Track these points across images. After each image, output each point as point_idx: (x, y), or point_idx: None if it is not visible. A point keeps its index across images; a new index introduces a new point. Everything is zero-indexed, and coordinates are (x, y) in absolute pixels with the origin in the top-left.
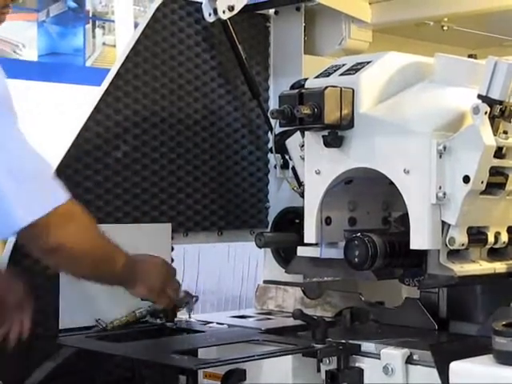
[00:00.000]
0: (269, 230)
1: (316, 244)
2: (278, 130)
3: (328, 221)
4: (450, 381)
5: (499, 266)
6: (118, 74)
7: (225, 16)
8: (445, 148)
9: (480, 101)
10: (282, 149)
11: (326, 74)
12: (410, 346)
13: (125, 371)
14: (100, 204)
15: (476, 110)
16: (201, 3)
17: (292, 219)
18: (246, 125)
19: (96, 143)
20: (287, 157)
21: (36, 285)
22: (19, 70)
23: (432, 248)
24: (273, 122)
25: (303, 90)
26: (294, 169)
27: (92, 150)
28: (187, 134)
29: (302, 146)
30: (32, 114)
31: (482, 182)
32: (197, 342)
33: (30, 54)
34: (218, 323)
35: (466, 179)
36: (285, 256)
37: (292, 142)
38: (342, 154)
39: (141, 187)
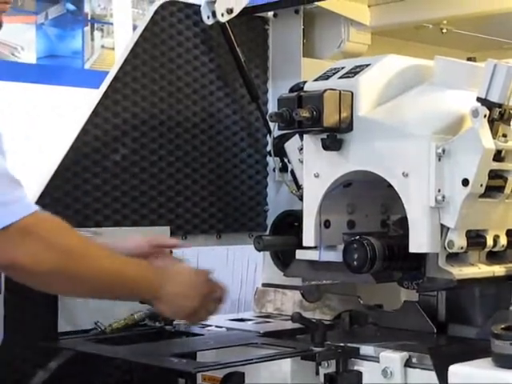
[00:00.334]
0: (268, 233)
1: (315, 247)
2: (276, 133)
3: (327, 224)
4: None
5: (498, 270)
6: (116, 76)
7: (223, 19)
8: (444, 151)
9: (479, 104)
10: (280, 152)
11: (325, 76)
12: (408, 349)
13: (123, 374)
14: (98, 207)
15: (475, 113)
16: (199, 6)
17: (291, 222)
18: (245, 128)
19: (94, 146)
20: (286, 160)
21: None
22: (18, 72)
23: (431, 251)
24: (271, 125)
25: (302, 93)
26: (292, 172)
27: (90, 153)
28: (186, 137)
29: (301, 149)
30: (30, 117)
31: (481, 185)
32: (195, 345)
33: (29, 56)
34: (216, 326)
35: (465, 182)
36: (283, 259)
37: (291, 145)
38: (340, 157)
39: (139, 190)
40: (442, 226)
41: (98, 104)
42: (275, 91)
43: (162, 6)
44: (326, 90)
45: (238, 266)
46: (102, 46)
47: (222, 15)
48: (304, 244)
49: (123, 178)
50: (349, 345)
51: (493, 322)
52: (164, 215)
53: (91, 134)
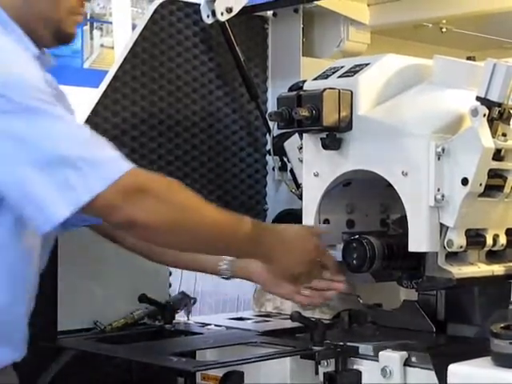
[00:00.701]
0: None
1: None
2: (276, 132)
3: (326, 223)
4: (448, 383)
5: (497, 269)
6: (115, 75)
7: (223, 18)
8: (443, 150)
9: (479, 103)
10: (280, 151)
11: (325, 76)
12: (408, 348)
13: (123, 373)
14: None
15: (475, 113)
16: (199, 5)
17: (290, 221)
18: (244, 127)
19: None
20: (285, 159)
21: None
22: None
23: (430, 250)
24: (271, 124)
25: (301, 92)
26: (292, 171)
27: None
28: (185, 136)
29: (301, 148)
30: None
31: (481, 185)
32: (195, 344)
33: None
34: (216, 325)
35: (465, 181)
36: None
37: (290, 144)
38: (340, 156)
39: None
40: (442, 225)
41: (97, 103)
42: (274, 90)
43: (161, 5)
44: (325, 89)
45: None
46: (102, 45)
47: (222, 14)
48: None
49: None
50: (348, 344)
51: (492, 321)
52: None
53: None
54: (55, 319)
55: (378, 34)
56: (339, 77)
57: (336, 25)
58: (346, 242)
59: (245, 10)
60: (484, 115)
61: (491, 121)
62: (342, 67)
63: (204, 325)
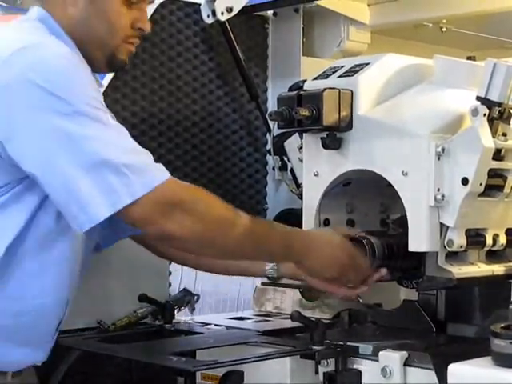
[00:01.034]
0: None
1: None
2: (276, 131)
3: (326, 223)
4: (449, 383)
5: (497, 268)
6: (116, 75)
7: (223, 17)
8: (443, 150)
9: (479, 103)
10: (280, 150)
11: (325, 75)
12: (408, 348)
13: (123, 373)
14: None
15: (475, 112)
16: (199, 4)
17: (290, 221)
18: (245, 126)
19: None
20: (285, 158)
21: None
22: None
23: (430, 250)
24: (271, 123)
25: (302, 92)
26: (292, 171)
27: None
28: (185, 136)
29: (301, 147)
30: None
31: (481, 184)
32: (195, 343)
33: None
34: (216, 325)
35: (465, 181)
36: None
37: (290, 144)
38: (340, 155)
39: None
40: (442, 224)
41: None
42: (275, 90)
43: (161, 5)
44: (325, 89)
45: None
46: None
47: (222, 14)
48: None
49: None
50: (348, 343)
51: (492, 320)
52: None
53: None
54: None
55: (378, 34)
56: (339, 76)
57: (336, 24)
58: None
59: (245, 10)
60: (484, 115)
61: (491, 120)
62: (342, 67)
63: (204, 324)
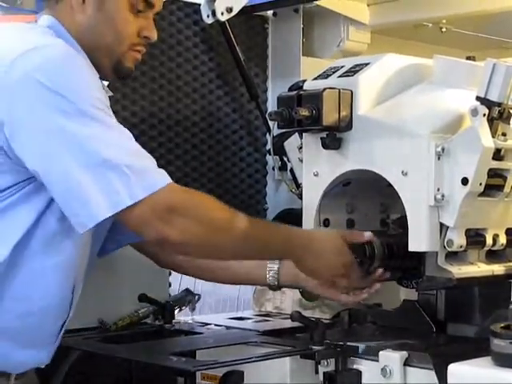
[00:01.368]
0: None
1: None
2: (276, 131)
3: (326, 223)
4: (449, 383)
5: (497, 268)
6: None
7: (223, 18)
8: (443, 150)
9: (478, 103)
10: (280, 150)
11: (325, 75)
12: (408, 348)
13: (122, 373)
14: None
15: (474, 112)
16: (199, 4)
17: (290, 221)
18: (244, 126)
19: None
20: (285, 158)
21: None
22: None
23: (430, 250)
24: (271, 123)
25: (301, 92)
26: (292, 171)
27: None
28: (185, 136)
29: (301, 147)
30: None
31: (481, 184)
32: (195, 343)
33: None
34: (216, 325)
35: (465, 181)
36: None
37: (290, 144)
38: (340, 155)
39: None
40: (442, 224)
41: None
42: (275, 90)
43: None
44: (325, 89)
45: None
46: None
47: (222, 14)
48: None
49: None
50: (348, 343)
51: (492, 320)
52: None
53: None
54: None
55: (377, 34)
56: (339, 76)
57: (336, 25)
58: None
59: (245, 10)
60: (484, 115)
61: (491, 120)
62: (342, 67)
63: (204, 324)
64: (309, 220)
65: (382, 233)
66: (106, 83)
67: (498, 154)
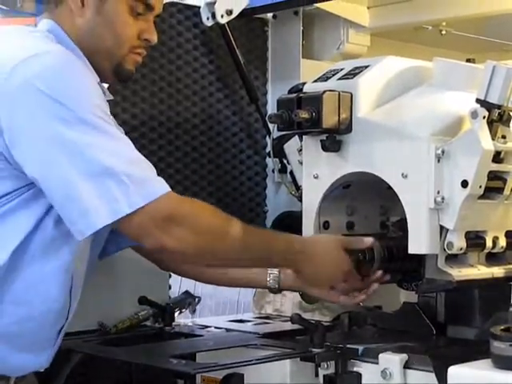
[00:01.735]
0: None
1: None
2: (276, 134)
3: (326, 225)
4: None
5: (497, 271)
6: None
7: (223, 20)
8: (443, 152)
9: (478, 105)
10: (280, 153)
11: (324, 78)
12: (408, 350)
13: (122, 375)
14: None
15: (474, 115)
16: (199, 7)
17: (290, 223)
18: (244, 129)
19: None
20: (285, 161)
21: None
22: None
23: (430, 252)
24: (271, 126)
25: (301, 95)
26: (292, 173)
27: None
28: (185, 138)
29: (300, 150)
30: None
31: (481, 187)
32: (195, 346)
33: None
34: (216, 327)
35: (465, 184)
36: None
37: (290, 147)
38: (340, 158)
39: None
40: (442, 227)
41: None
42: (274, 93)
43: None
44: (325, 92)
45: None
46: None
47: (222, 16)
48: None
49: None
50: (348, 346)
51: (492, 323)
52: None
53: None
54: None
55: (377, 37)
56: (339, 79)
57: (336, 27)
58: None
59: (245, 13)
60: (484, 117)
61: (491, 123)
62: (341, 69)
63: (204, 327)
64: (309, 222)
65: (382, 235)
66: (106, 85)
67: (497, 157)
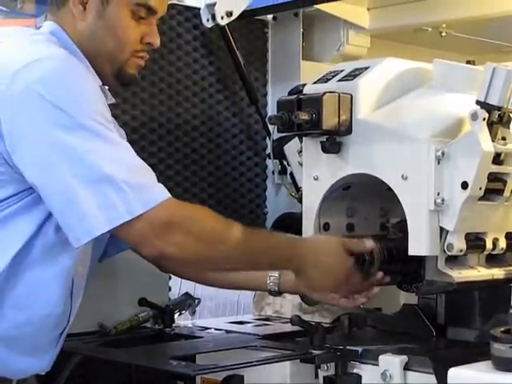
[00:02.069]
0: None
1: None
2: (276, 135)
3: (326, 227)
4: None
5: (497, 272)
6: None
7: (223, 22)
8: (443, 154)
9: (478, 107)
10: (280, 154)
11: (324, 79)
12: (408, 352)
13: (122, 377)
14: None
15: (474, 116)
16: (199, 9)
17: (290, 225)
18: (244, 130)
19: None
20: (285, 162)
21: None
22: None
23: (430, 254)
24: (271, 127)
25: (301, 96)
26: (292, 174)
27: None
28: (185, 140)
29: (300, 151)
30: None
31: (481, 188)
32: (195, 347)
33: None
34: (216, 329)
35: (465, 185)
36: None
37: (290, 148)
38: (340, 159)
39: None
40: (442, 228)
41: None
42: (274, 94)
43: None
44: (325, 93)
45: None
46: None
47: (222, 18)
48: None
49: None
50: (348, 348)
51: (492, 324)
52: None
53: None
54: None
55: (377, 38)
56: (339, 80)
57: (336, 29)
58: None
59: (245, 14)
60: (484, 119)
61: (491, 124)
62: (341, 71)
63: (204, 328)
64: (309, 224)
65: (382, 237)
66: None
67: (497, 158)
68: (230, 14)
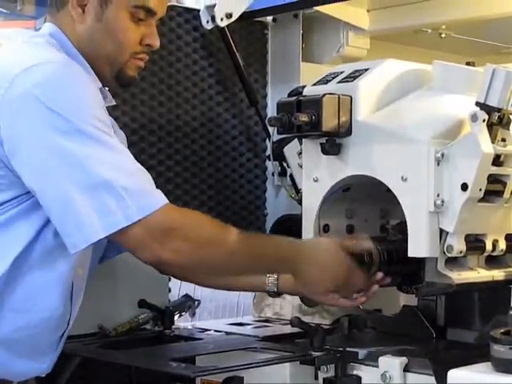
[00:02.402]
0: None
1: None
2: (275, 137)
3: (326, 228)
4: None
5: (497, 274)
6: None
7: (223, 23)
8: (443, 155)
9: (478, 108)
10: (279, 156)
11: (324, 81)
12: (407, 353)
13: (122, 378)
14: None
15: (474, 118)
16: (199, 10)
17: (290, 227)
18: (244, 132)
19: None
20: (285, 164)
21: None
22: None
23: (430, 256)
24: (271, 129)
25: (301, 98)
26: (291, 176)
27: None
28: (185, 141)
29: (300, 153)
30: None
31: (480, 190)
32: (194, 349)
33: None
34: (215, 331)
35: (464, 187)
36: None
37: (290, 150)
38: (339, 161)
39: None
40: (441, 230)
41: None
42: (274, 96)
43: None
44: (325, 95)
45: None
46: None
47: (222, 20)
48: None
49: None
50: (348, 349)
51: (492, 326)
52: None
53: None
54: None
55: (377, 40)
56: (339, 82)
57: (336, 30)
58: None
59: (244, 16)
60: (483, 120)
61: (491, 126)
62: (341, 72)
63: (204, 330)
64: (308, 225)
65: (382, 239)
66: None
67: (497, 160)
68: (229, 15)
